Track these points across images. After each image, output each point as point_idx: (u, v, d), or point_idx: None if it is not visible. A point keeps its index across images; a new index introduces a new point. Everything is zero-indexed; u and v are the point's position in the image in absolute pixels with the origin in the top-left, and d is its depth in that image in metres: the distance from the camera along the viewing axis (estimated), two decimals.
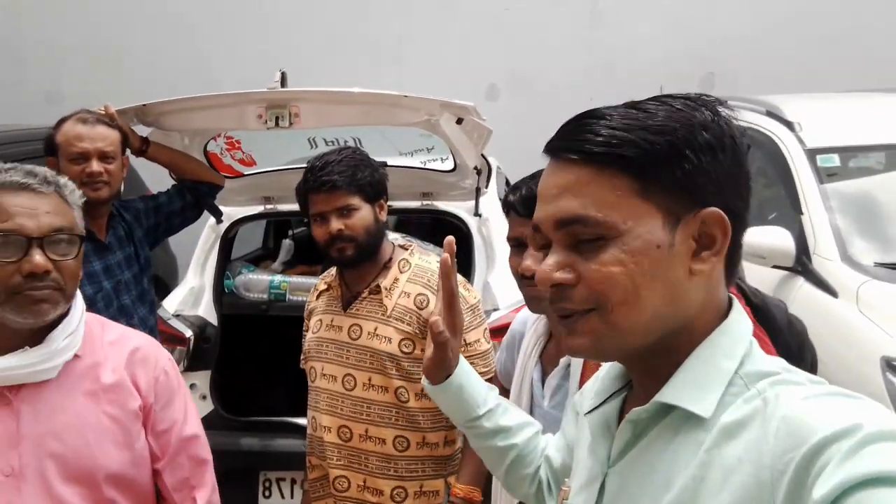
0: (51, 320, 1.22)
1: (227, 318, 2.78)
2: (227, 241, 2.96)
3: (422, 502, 1.83)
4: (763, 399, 0.68)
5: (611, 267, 0.72)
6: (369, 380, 1.81)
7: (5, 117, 4.58)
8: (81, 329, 1.29)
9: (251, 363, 2.56)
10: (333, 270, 1.97)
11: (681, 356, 0.75)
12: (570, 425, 1.04)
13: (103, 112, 2.19)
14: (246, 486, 2.61)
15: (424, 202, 2.92)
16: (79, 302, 1.31)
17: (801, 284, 2.74)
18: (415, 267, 1.87)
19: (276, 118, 2.18)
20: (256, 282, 2.89)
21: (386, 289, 1.83)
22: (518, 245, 1.39)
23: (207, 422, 2.60)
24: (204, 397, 2.68)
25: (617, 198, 0.72)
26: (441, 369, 1.12)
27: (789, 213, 2.99)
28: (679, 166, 0.72)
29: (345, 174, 1.77)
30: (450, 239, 1.13)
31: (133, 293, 2.19)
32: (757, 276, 2.98)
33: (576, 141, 0.74)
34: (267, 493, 2.62)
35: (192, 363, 2.66)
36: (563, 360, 1.40)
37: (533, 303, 1.37)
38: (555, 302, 0.76)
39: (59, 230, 1.22)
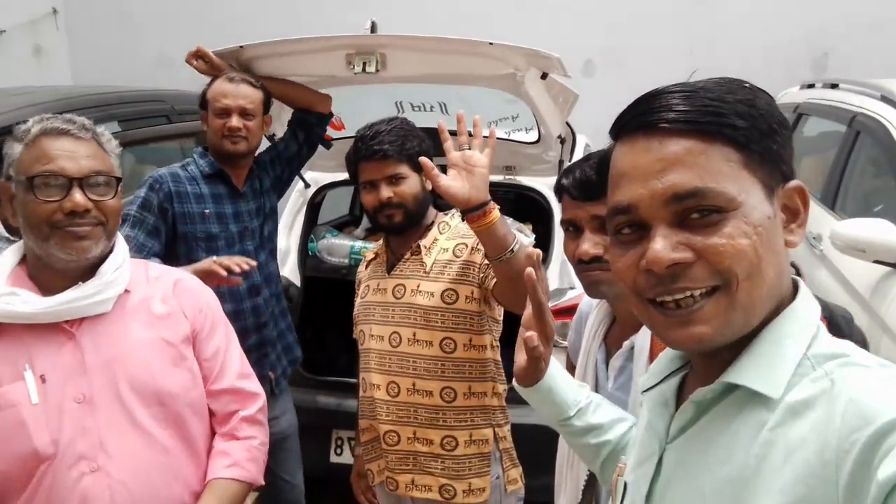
0: (94, 257, 1.30)
1: (310, 280, 2.86)
2: (313, 206, 3.04)
3: (472, 450, 1.87)
4: (831, 380, 0.68)
5: (738, 239, 0.70)
6: (414, 335, 1.85)
7: (120, 80, 4.84)
8: (128, 265, 1.38)
9: (331, 325, 2.64)
10: (381, 240, 2.03)
11: (748, 336, 0.74)
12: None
13: (195, 51, 2.33)
14: (320, 442, 2.71)
15: (507, 176, 2.90)
16: (121, 241, 1.40)
17: None
18: (453, 228, 1.92)
19: (364, 63, 2.22)
20: (338, 246, 2.96)
21: (425, 247, 1.89)
22: (573, 229, 1.37)
23: (289, 379, 2.73)
24: None
25: (730, 169, 0.71)
26: (533, 377, 1.15)
27: None
28: (774, 140, 0.73)
29: (395, 143, 1.81)
30: (532, 251, 1.16)
31: (256, 240, 2.35)
32: (856, 271, 2.83)
33: (678, 111, 0.72)
34: (338, 451, 2.71)
35: None
36: (626, 343, 1.38)
37: (592, 288, 1.35)
38: (667, 285, 0.72)
39: (98, 172, 1.30)
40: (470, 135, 1.59)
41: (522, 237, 2.26)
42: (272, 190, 2.45)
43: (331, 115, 2.57)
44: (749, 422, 0.71)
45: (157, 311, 1.39)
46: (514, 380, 1.18)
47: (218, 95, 2.22)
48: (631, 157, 0.75)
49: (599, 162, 0.87)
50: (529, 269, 1.09)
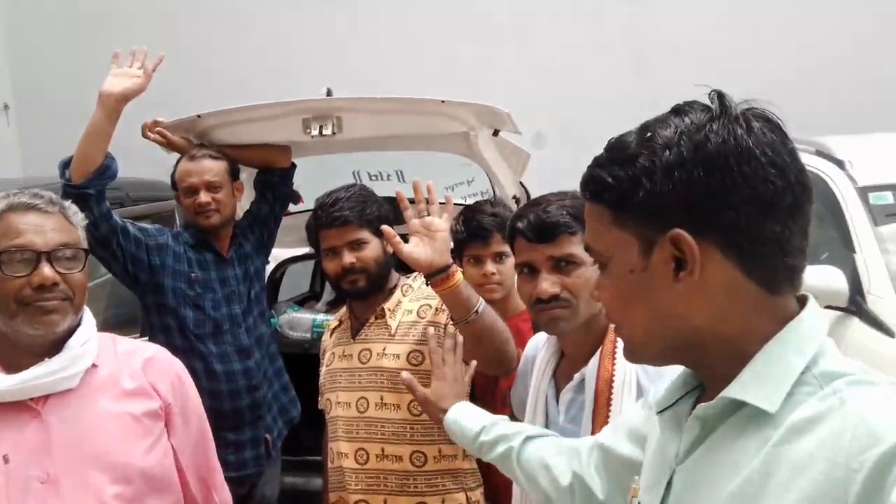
0: (62, 331, 1.29)
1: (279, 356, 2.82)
2: (273, 282, 3.04)
3: None
4: (840, 398, 0.67)
5: (602, 291, 0.83)
6: (381, 399, 1.84)
7: None
8: (95, 339, 1.36)
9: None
10: (345, 309, 2.04)
11: (745, 356, 0.75)
12: (637, 418, 1.06)
13: (153, 124, 2.42)
14: None
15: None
16: (88, 315, 1.39)
17: (856, 325, 2.65)
18: (416, 289, 1.94)
19: (321, 127, 2.29)
20: (299, 320, 2.95)
21: (390, 310, 1.90)
22: (528, 271, 1.42)
23: None
24: None
25: (601, 228, 0.80)
26: (430, 410, 1.49)
27: (842, 252, 2.92)
28: (638, 194, 0.75)
29: (354, 209, 1.86)
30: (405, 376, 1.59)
31: (244, 303, 2.42)
32: None
33: (583, 182, 0.83)
34: None
35: None
36: (577, 375, 1.41)
37: (551, 325, 1.40)
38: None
39: (65, 245, 1.30)
40: (427, 202, 1.64)
41: None
42: (255, 253, 2.51)
43: (293, 166, 2.61)
44: (753, 438, 0.71)
45: (126, 386, 1.36)
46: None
47: (183, 175, 2.31)
48: None
49: None
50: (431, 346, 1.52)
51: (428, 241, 1.60)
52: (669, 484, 0.81)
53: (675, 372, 0.89)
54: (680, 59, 5.87)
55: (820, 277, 2.76)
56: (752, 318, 0.76)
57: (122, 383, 1.36)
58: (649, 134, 0.77)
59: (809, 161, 3.46)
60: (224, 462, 2.25)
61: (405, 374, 1.55)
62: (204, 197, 2.28)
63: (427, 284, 1.67)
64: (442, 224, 1.63)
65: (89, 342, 1.33)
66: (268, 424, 2.41)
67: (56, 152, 2.29)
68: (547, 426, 1.46)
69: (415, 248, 1.59)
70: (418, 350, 1.83)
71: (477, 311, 1.60)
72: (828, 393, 0.69)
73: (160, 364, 1.44)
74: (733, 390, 0.73)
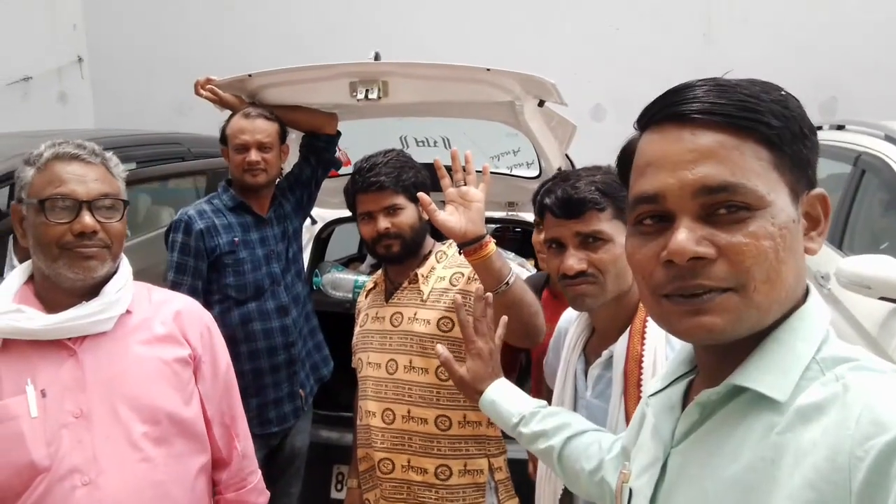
0: (99, 276, 1.35)
1: (315, 315, 2.89)
2: (320, 242, 3.09)
3: (466, 480, 1.86)
4: (843, 385, 0.66)
5: (762, 241, 0.69)
6: (410, 362, 1.87)
7: (141, 125, 5.00)
8: (130, 287, 1.42)
9: (335, 359, 2.65)
10: (380, 272, 2.06)
11: (756, 338, 0.73)
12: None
13: (205, 81, 2.46)
14: (321, 477, 2.70)
15: (510, 212, 2.94)
16: (125, 264, 1.44)
17: None
18: (450, 257, 1.95)
19: (366, 91, 2.31)
20: (342, 281, 3.00)
21: (423, 276, 1.92)
22: (556, 246, 1.41)
23: None
24: None
25: (761, 168, 0.70)
26: (470, 392, 1.41)
27: None
28: (804, 144, 0.72)
29: (391, 175, 1.87)
30: (480, 289, 1.46)
31: (282, 262, 2.48)
32: (863, 309, 2.81)
33: (714, 103, 0.71)
34: (339, 487, 2.70)
35: None
36: (605, 352, 1.40)
37: (577, 301, 1.38)
38: (685, 279, 0.70)
39: (106, 195, 1.35)
40: (465, 171, 1.64)
41: (518, 269, 2.28)
42: (294, 214, 2.57)
43: (338, 134, 2.65)
44: (757, 425, 0.70)
45: (157, 332, 1.43)
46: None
47: (236, 132, 2.35)
48: (660, 146, 0.73)
49: (620, 153, 0.85)
50: (461, 313, 1.41)
51: (463, 210, 1.61)
52: (664, 467, 0.80)
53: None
54: (750, 30, 5.65)
55: (877, 267, 2.66)
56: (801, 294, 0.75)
57: (154, 329, 1.42)
58: (781, 93, 0.73)
59: (876, 145, 3.32)
60: (267, 419, 2.37)
61: (442, 350, 1.47)
62: (255, 155, 2.33)
63: (460, 253, 1.68)
64: (478, 194, 1.63)
65: (125, 289, 1.40)
66: (301, 381, 2.49)
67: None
68: (575, 400, 1.47)
69: (449, 217, 1.60)
70: (448, 317, 1.85)
71: (508, 283, 1.61)
72: (830, 378, 0.68)
73: (191, 314, 1.50)
74: (742, 378, 0.71)
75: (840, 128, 4.02)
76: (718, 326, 0.70)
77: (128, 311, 1.41)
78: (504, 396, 1.35)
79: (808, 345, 0.71)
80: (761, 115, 0.70)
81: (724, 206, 0.69)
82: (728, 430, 0.73)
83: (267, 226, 2.45)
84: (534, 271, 2.83)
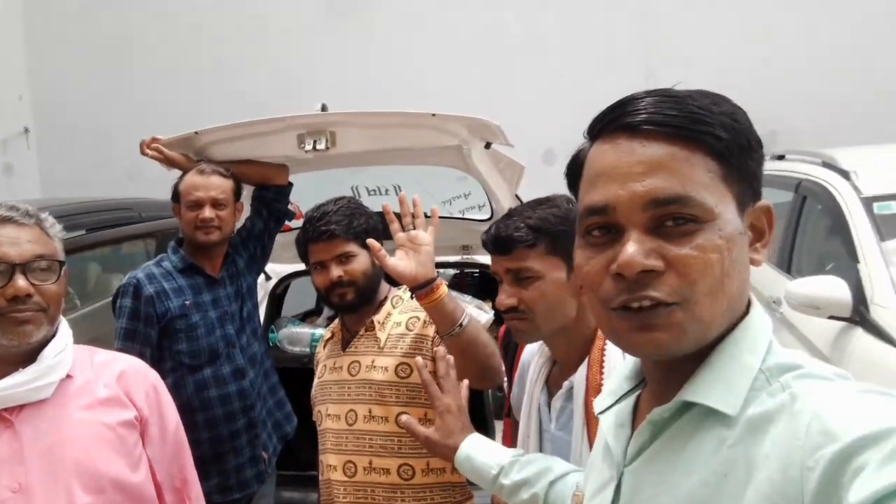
0: (36, 341, 1.30)
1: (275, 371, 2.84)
2: (275, 297, 3.05)
3: None
4: (790, 394, 0.66)
5: (709, 253, 0.68)
6: (370, 411, 1.83)
7: (93, 192, 4.93)
8: (70, 350, 1.37)
9: (296, 415, 2.59)
10: (337, 321, 2.05)
11: (703, 352, 0.72)
12: None
13: (151, 141, 2.43)
14: None
15: (464, 256, 2.95)
16: (65, 326, 1.40)
17: (860, 335, 2.60)
18: (406, 301, 1.94)
19: (314, 142, 2.30)
20: (299, 335, 2.96)
21: (379, 322, 1.90)
22: (499, 280, 1.42)
23: None
24: None
25: (710, 180, 0.70)
26: (442, 453, 1.36)
27: (847, 263, 2.88)
28: (751, 157, 0.72)
29: (342, 223, 1.86)
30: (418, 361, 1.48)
31: (237, 323, 2.40)
32: (812, 328, 2.87)
33: (665, 115, 0.70)
34: None
35: None
36: (565, 383, 1.40)
37: (518, 334, 1.40)
38: (634, 291, 0.70)
39: (41, 256, 1.31)
40: (413, 216, 1.65)
41: (474, 311, 2.28)
42: (247, 270, 2.51)
43: (290, 185, 2.63)
44: (708, 439, 0.69)
45: (100, 396, 1.38)
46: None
47: (189, 188, 2.29)
48: (610, 157, 0.72)
49: (569, 163, 0.84)
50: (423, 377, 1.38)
51: (413, 254, 1.61)
52: (618, 487, 0.79)
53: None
54: (691, 71, 5.84)
55: (824, 288, 2.73)
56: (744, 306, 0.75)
57: (96, 393, 1.37)
58: (730, 106, 0.74)
59: (815, 172, 3.44)
60: (227, 487, 2.28)
61: (405, 417, 1.46)
62: (209, 212, 2.27)
63: (412, 297, 1.68)
64: (426, 237, 1.64)
65: (64, 353, 1.35)
66: (263, 443, 2.41)
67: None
68: (540, 434, 1.45)
69: (399, 262, 1.60)
70: (406, 362, 1.83)
71: (462, 325, 1.61)
72: (777, 388, 0.68)
73: (135, 374, 1.45)
74: (691, 393, 0.71)
75: (781, 157, 4.16)
76: (664, 342, 0.70)
77: (68, 376, 1.36)
78: (479, 450, 1.31)
79: (754, 356, 0.71)
80: (712, 128, 0.70)
81: (672, 218, 0.69)
82: (679, 447, 0.72)
83: (219, 286, 2.38)
84: (491, 313, 2.83)
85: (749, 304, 0.76)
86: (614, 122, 0.73)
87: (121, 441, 1.35)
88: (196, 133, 2.40)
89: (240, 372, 2.34)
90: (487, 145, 2.39)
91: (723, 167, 0.70)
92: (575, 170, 0.81)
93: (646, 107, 0.71)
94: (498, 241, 1.39)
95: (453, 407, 1.39)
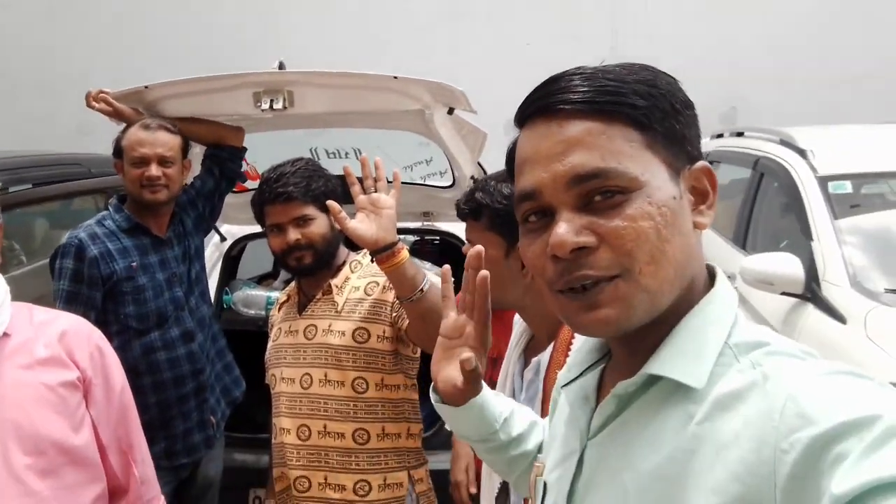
0: None
1: (226, 334, 2.79)
2: (230, 259, 2.99)
3: (386, 495, 1.81)
4: (762, 373, 0.65)
5: (640, 222, 0.68)
6: (325, 375, 1.81)
7: (41, 147, 4.74)
8: (7, 308, 1.30)
9: (249, 379, 2.55)
10: (293, 283, 2.01)
11: (668, 325, 0.71)
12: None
13: (98, 93, 2.30)
14: (237, 502, 2.59)
15: (425, 222, 2.92)
16: (2, 283, 1.33)
17: (810, 311, 2.67)
18: (365, 266, 1.91)
19: (271, 101, 2.20)
20: (255, 298, 2.90)
21: (337, 286, 1.87)
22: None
23: None
24: None
25: (632, 149, 0.69)
26: (471, 395, 1.04)
27: (800, 240, 2.94)
28: (676, 120, 0.72)
29: (300, 185, 1.81)
30: (477, 250, 1.01)
31: (185, 284, 2.31)
32: (765, 303, 2.93)
33: (577, 92, 0.70)
34: None
35: None
36: (534, 359, 1.39)
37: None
38: (572, 271, 0.69)
39: None
40: (375, 179, 1.61)
41: (434, 277, 2.26)
42: (195, 230, 2.41)
43: (244, 148, 2.54)
44: (674, 415, 0.68)
45: (39, 355, 1.31)
46: (432, 396, 1.07)
47: (134, 144, 2.17)
48: (532, 143, 0.73)
49: (507, 155, 0.84)
50: (483, 274, 0.98)
51: (374, 217, 1.57)
52: (580, 460, 0.78)
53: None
54: (655, 47, 5.84)
55: (778, 264, 2.79)
56: (701, 277, 0.74)
57: (35, 352, 1.30)
58: (649, 73, 0.73)
59: (772, 150, 3.49)
60: (174, 452, 2.22)
61: (466, 355, 1.05)
62: (155, 170, 2.15)
63: (372, 261, 1.65)
64: (389, 200, 1.60)
65: (1, 310, 1.29)
66: (212, 407, 2.35)
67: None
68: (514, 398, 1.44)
69: (360, 224, 1.56)
70: (364, 327, 1.81)
71: (422, 290, 1.58)
72: (746, 365, 0.67)
73: (78, 334, 1.38)
74: (656, 366, 0.70)
75: (739, 135, 4.21)
76: (613, 318, 0.69)
77: (5, 334, 1.29)
78: (489, 398, 1.09)
79: (719, 329, 0.70)
80: (625, 97, 0.70)
81: (599, 192, 0.69)
82: (645, 421, 0.71)
83: (167, 247, 2.27)
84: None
85: (714, 278, 0.75)
86: (531, 106, 0.74)
87: (62, 402, 1.30)
88: (146, 87, 2.30)
89: (188, 334, 2.26)
90: (450, 111, 2.35)
91: (645, 135, 0.70)
92: (510, 160, 0.81)
93: (559, 88, 0.71)
94: (460, 210, 1.40)
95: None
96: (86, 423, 1.33)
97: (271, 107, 2.19)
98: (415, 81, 2.20)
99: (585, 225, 0.69)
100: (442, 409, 1.07)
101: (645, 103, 0.70)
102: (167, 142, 2.19)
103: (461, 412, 1.05)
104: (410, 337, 1.78)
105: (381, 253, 1.56)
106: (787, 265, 2.76)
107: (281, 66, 2.28)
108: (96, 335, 1.41)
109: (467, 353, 0.99)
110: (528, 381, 1.41)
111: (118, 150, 2.23)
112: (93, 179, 3.56)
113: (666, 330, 0.71)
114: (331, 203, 1.64)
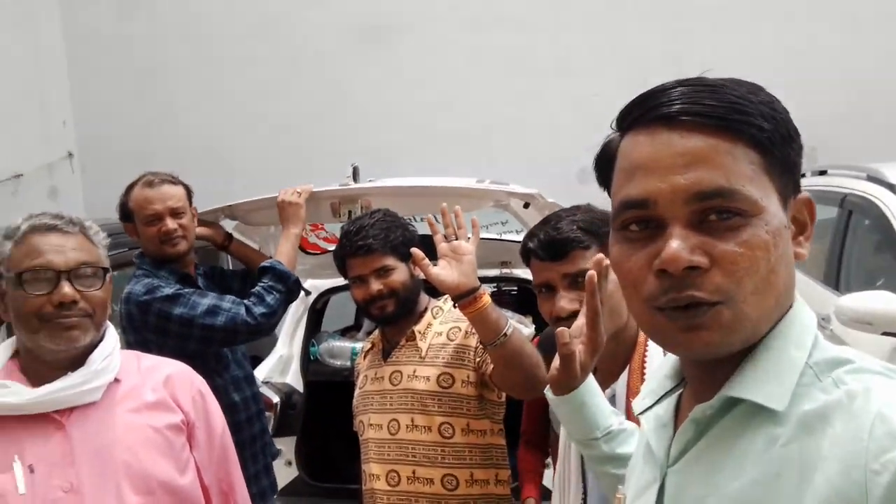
0: (83, 346, 1.31)
1: (313, 385, 2.84)
2: (315, 312, 3.07)
3: None
4: (847, 392, 0.63)
5: (756, 250, 0.65)
6: (412, 420, 1.82)
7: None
8: (118, 354, 1.38)
9: (335, 430, 2.59)
10: (377, 332, 2.05)
11: (746, 348, 0.69)
12: None
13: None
14: None
15: (503, 270, 2.93)
16: (111, 330, 1.41)
17: None
18: (446, 312, 1.93)
19: (349, 211, 2.32)
20: (339, 349, 2.96)
21: (420, 332, 1.89)
22: (546, 290, 1.40)
23: (292, 488, 2.65)
24: (289, 463, 2.72)
25: (753, 172, 0.67)
26: (565, 382, 1.13)
27: None
28: (790, 146, 0.70)
29: (378, 237, 1.86)
30: (600, 257, 1.14)
31: None
32: (864, 345, 2.78)
33: (704, 105, 0.67)
34: None
35: (278, 429, 2.73)
36: (607, 391, 1.36)
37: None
38: (679, 290, 0.66)
39: (85, 263, 1.33)
40: (457, 225, 1.66)
41: (518, 325, 2.26)
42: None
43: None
44: (757, 438, 0.66)
45: (147, 399, 1.39)
46: (546, 388, 1.18)
47: (144, 203, 2.17)
48: (648, 149, 0.69)
49: (599, 155, 0.81)
50: (592, 272, 1.09)
51: (455, 263, 1.60)
52: (661, 489, 0.76)
53: None
54: None
55: (878, 302, 2.65)
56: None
57: (143, 396, 1.38)
58: (766, 94, 0.71)
59: (860, 187, 3.37)
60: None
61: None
62: (171, 224, 2.15)
63: (455, 307, 1.67)
64: (468, 247, 1.63)
65: (112, 357, 1.36)
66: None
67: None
68: None
69: (442, 271, 1.59)
70: (448, 373, 1.82)
71: (505, 335, 1.58)
72: (829, 384, 0.65)
73: (182, 378, 1.45)
74: (736, 389, 0.68)
75: (823, 173, 4.09)
76: (715, 341, 0.67)
77: (116, 380, 1.37)
78: (592, 399, 1.15)
79: (800, 350, 0.68)
80: (752, 118, 0.67)
81: (716, 212, 0.66)
82: (727, 446, 0.69)
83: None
84: (532, 327, 2.80)
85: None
86: (649, 112, 0.70)
87: (168, 444, 1.35)
88: (230, 206, 2.45)
89: (249, 378, 2.32)
90: (526, 205, 2.44)
91: (765, 159, 0.68)
92: (605, 163, 0.78)
93: (681, 97, 0.69)
94: (553, 246, 1.37)
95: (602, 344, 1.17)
96: (190, 465, 1.38)
97: (350, 216, 2.30)
98: (493, 191, 2.26)
99: (698, 244, 0.66)
100: (549, 399, 1.17)
101: (769, 126, 0.68)
102: (175, 194, 2.20)
103: (559, 402, 1.14)
104: (495, 382, 1.77)
105: (464, 298, 1.58)
106: (887, 303, 2.62)
107: (355, 172, 2.37)
108: (198, 380, 1.48)
109: (562, 328, 1.11)
110: None
111: (126, 214, 2.22)
112: None
113: (744, 353, 0.70)
114: (414, 250, 1.68)
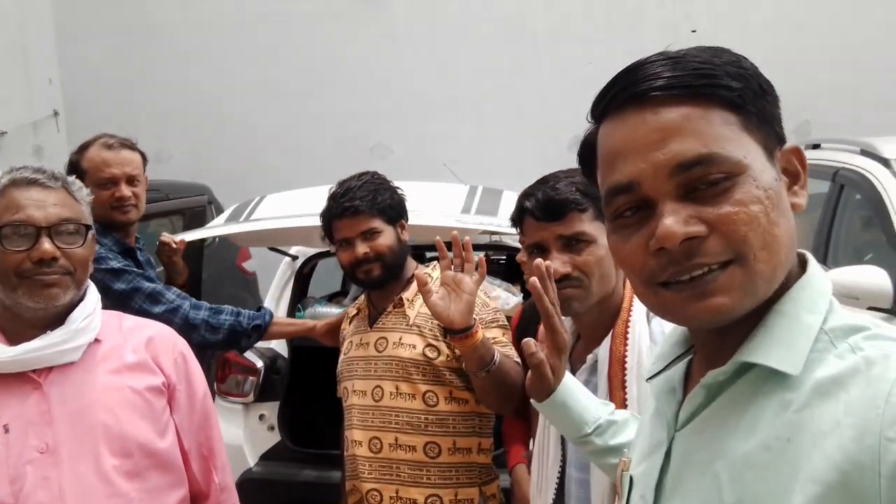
0: (63, 304, 1.28)
1: (297, 351, 2.82)
2: (301, 277, 3.04)
3: None
4: (864, 357, 0.62)
5: (751, 206, 0.65)
6: (396, 388, 1.81)
7: None
8: (99, 314, 1.36)
9: (319, 395, 2.58)
10: (363, 297, 2.02)
11: (759, 312, 0.69)
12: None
13: (177, 244, 2.28)
14: None
15: (493, 238, 2.91)
16: (92, 289, 1.38)
17: None
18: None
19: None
20: (325, 314, 2.93)
21: (408, 300, 1.87)
22: (538, 251, 1.37)
23: (274, 452, 2.65)
24: (272, 428, 2.71)
25: (731, 132, 0.67)
26: (542, 388, 1.15)
27: (887, 253, 2.80)
28: (765, 99, 0.70)
29: (366, 199, 1.83)
30: (540, 262, 1.17)
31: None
32: None
33: (668, 77, 0.68)
34: None
35: (261, 394, 2.72)
36: (589, 357, 1.37)
37: (564, 305, 1.31)
38: (682, 262, 0.66)
39: (67, 220, 1.29)
40: (463, 260, 1.60)
41: (506, 294, 2.24)
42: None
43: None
44: (769, 403, 0.66)
45: (128, 360, 1.36)
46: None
47: (101, 165, 2.05)
48: (624, 133, 0.70)
49: (581, 149, 0.81)
50: (533, 279, 1.11)
51: (454, 297, 1.57)
52: (668, 452, 0.76)
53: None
54: None
55: (864, 277, 2.66)
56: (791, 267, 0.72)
57: (124, 357, 1.35)
58: (731, 54, 0.71)
59: (853, 161, 3.35)
60: None
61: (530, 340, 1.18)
62: (126, 190, 2.05)
63: (445, 338, 1.68)
64: (471, 286, 1.58)
65: (92, 316, 1.33)
66: None
67: None
68: None
69: (440, 302, 1.57)
70: (434, 345, 1.81)
71: (489, 370, 1.60)
72: (846, 350, 0.64)
73: (164, 341, 1.43)
74: (749, 354, 0.67)
75: (816, 146, 4.06)
76: (727, 306, 0.66)
77: (97, 340, 1.34)
78: (574, 398, 1.16)
79: (815, 315, 0.67)
80: (719, 79, 0.67)
81: (702, 180, 0.66)
82: (738, 410, 0.68)
83: (150, 269, 2.17)
84: (520, 296, 2.79)
85: (805, 264, 0.72)
86: (617, 97, 0.71)
87: (148, 406, 1.34)
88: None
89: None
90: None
91: (741, 117, 0.68)
92: (587, 157, 0.79)
93: (647, 74, 0.69)
94: (550, 206, 1.34)
95: (565, 344, 1.18)
96: (170, 428, 1.36)
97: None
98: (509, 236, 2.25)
99: (692, 214, 0.66)
100: (535, 405, 1.18)
101: (739, 84, 0.68)
102: (133, 160, 2.11)
103: (542, 407, 1.16)
104: (477, 398, 1.79)
105: (456, 335, 1.57)
106: (874, 278, 2.63)
107: None
108: (181, 342, 1.45)
109: (527, 339, 1.12)
110: (583, 384, 1.35)
111: (77, 173, 1.98)
112: (169, 202, 3.70)
113: (757, 317, 0.69)
114: (418, 275, 1.62)
